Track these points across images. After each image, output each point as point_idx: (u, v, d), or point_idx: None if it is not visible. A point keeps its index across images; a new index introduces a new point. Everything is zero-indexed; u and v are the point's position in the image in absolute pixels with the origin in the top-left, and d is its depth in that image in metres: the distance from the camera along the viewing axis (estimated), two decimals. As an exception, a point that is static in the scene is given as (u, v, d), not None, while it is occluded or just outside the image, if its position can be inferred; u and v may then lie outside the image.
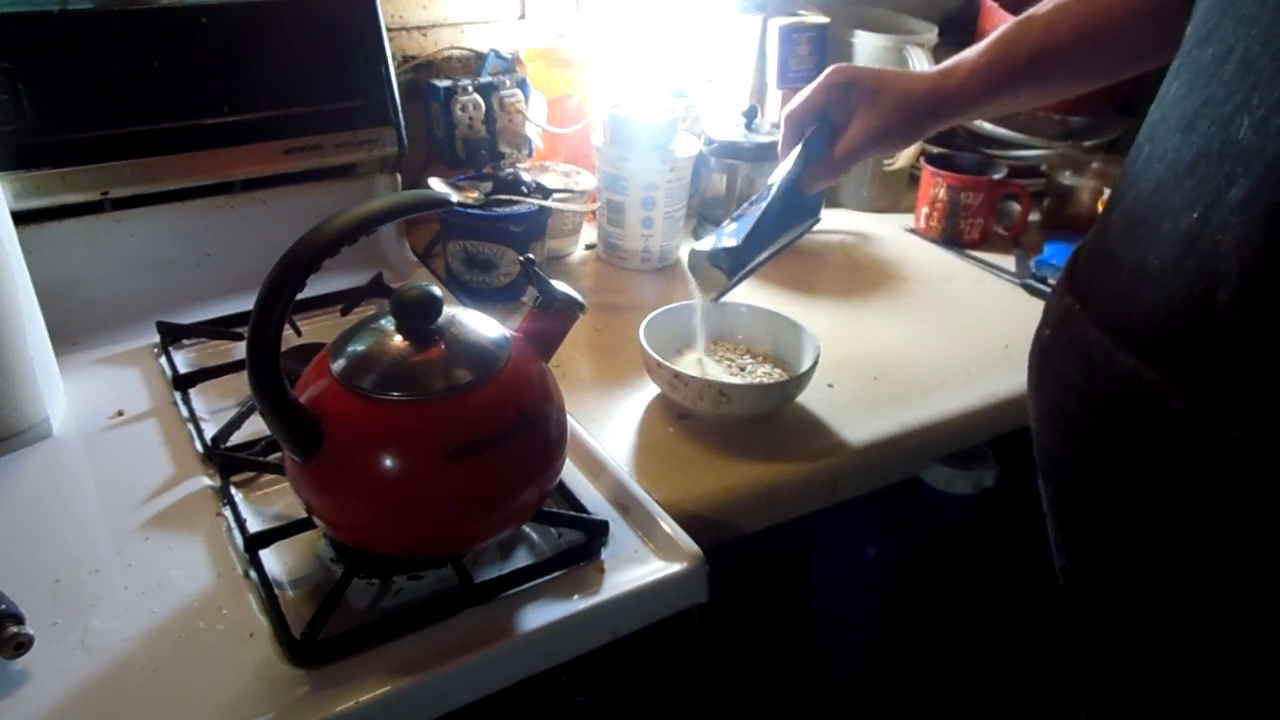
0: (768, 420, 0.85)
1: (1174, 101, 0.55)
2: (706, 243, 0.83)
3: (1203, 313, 0.50)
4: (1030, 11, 0.78)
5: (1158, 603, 0.57)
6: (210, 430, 0.77)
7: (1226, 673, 0.56)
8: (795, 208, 0.86)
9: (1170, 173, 0.54)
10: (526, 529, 0.71)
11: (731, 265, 0.82)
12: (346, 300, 0.96)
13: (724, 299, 0.88)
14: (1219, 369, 0.49)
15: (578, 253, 1.16)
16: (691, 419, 0.85)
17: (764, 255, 0.86)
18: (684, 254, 1.16)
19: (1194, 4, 0.57)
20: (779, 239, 0.86)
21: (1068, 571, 0.65)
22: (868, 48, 1.26)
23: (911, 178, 1.31)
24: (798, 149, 0.84)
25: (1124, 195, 0.59)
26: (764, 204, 0.83)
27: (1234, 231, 0.48)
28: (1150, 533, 0.55)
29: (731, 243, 0.81)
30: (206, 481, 0.74)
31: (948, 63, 0.81)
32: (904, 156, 1.28)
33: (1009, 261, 1.18)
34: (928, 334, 1.02)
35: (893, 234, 1.26)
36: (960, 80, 0.79)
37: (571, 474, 0.76)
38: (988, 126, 1.29)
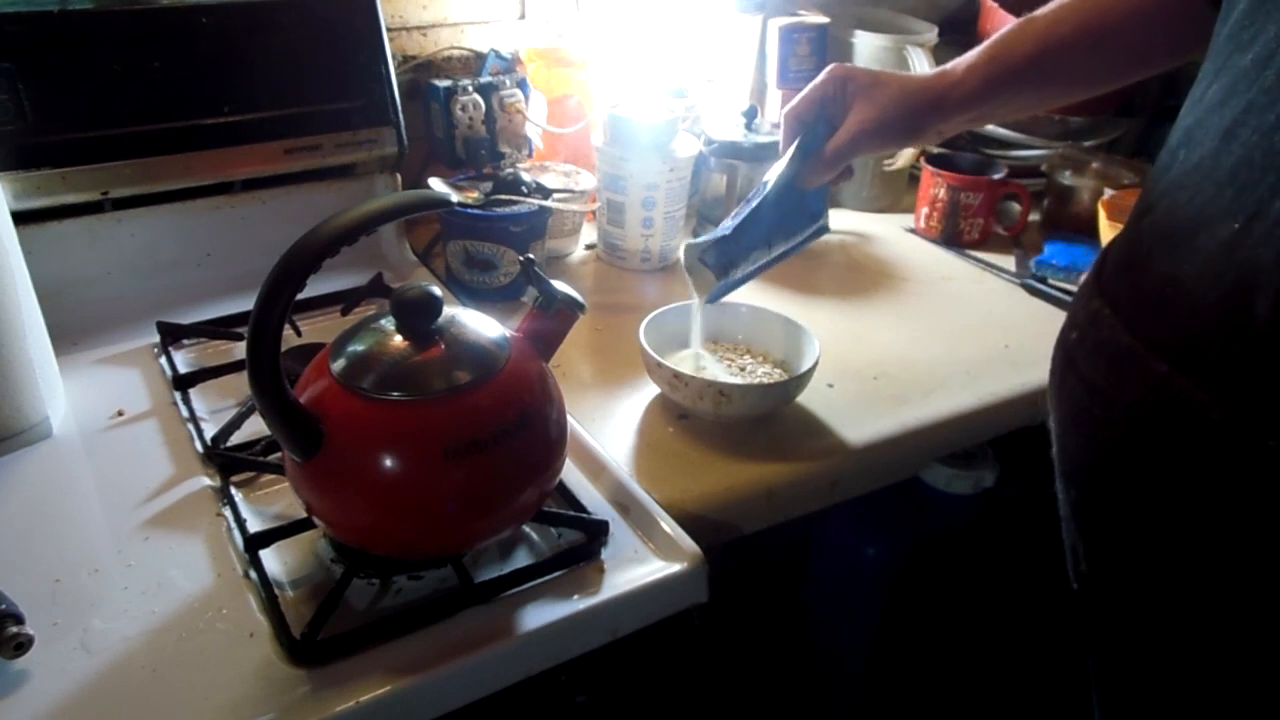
0: (768, 420, 0.85)
1: (1211, 107, 0.54)
2: (700, 242, 0.82)
3: (1240, 324, 0.49)
4: (1033, 13, 0.77)
5: (1184, 611, 0.57)
6: (210, 430, 0.77)
7: (1254, 683, 0.55)
8: (795, 209, 0.85)
9: (1208, 180, 0.53)
10: (526, 529, 0.71)
11: (718, 260, 0.80)
12: (346, 300, 0.96)
13: (724, 299, 0.87)
14: (1255, 380, 0.49)
15: (578, 253, 1.16)
16: (691, 419, 0.85)
17: (764, 260, 0.85)
18: (684, 254, 1.16)
19: (1223, 7, 0.56)
20: (778, 243, 0.85)
21: (1086, 578, 0.64)
22: (868, 48, 1.26)
23: (911, 178, 1.31)
24: (794, 145, 0.83)
25: (1157, 202, 0.57)
26: (757, 201, 0.82)
27: (1278, 244, 0.47)
28: (1178, 541, 0.55)
29: (722, 232, 0.80)
30: (206, 481, 0.74)
31: (948, 64, 0.80)
32: (904, 156, 1.28)
33: (1009, 261, 1.18)
34: (928, 334, 1.02)
35: (893, 234, 1.26)
36: (958, 76, 0.78)
37: (571, 474, 0.76)
38: (988, 126, 1.29)
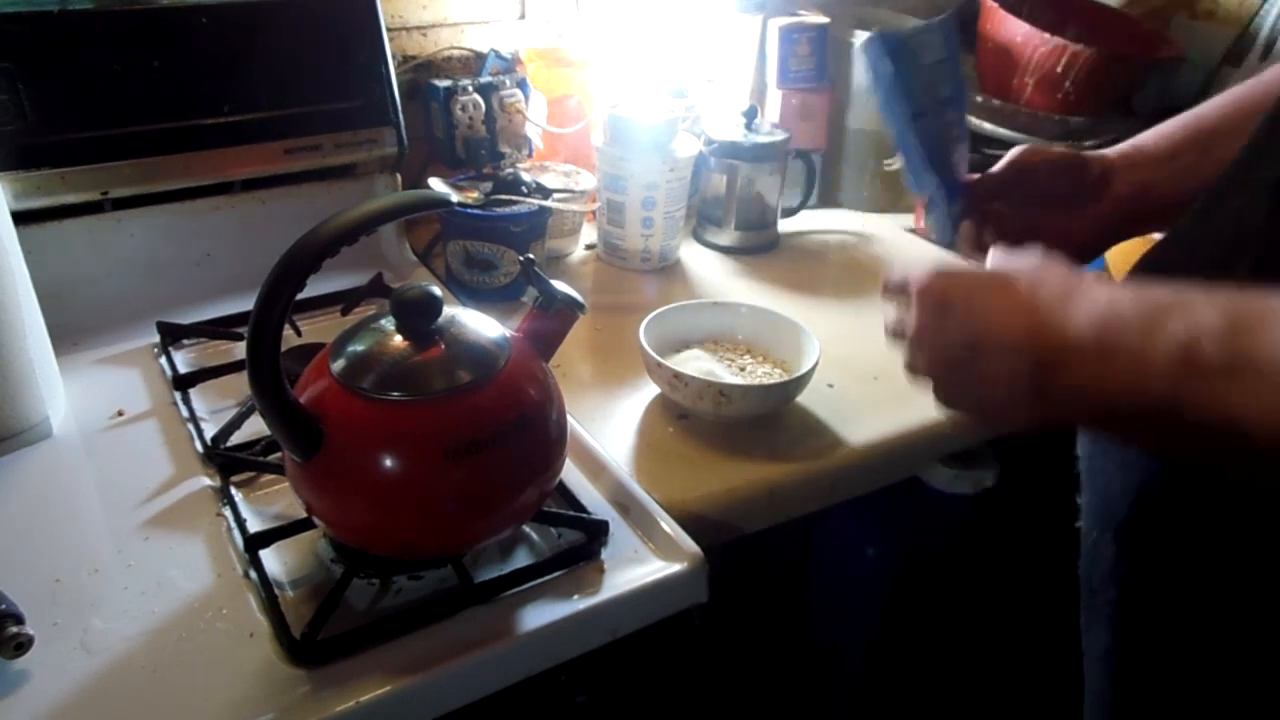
0: (768, 420, 0.85)
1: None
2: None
3: (1219, 285, 0.50)
4: None
5: (1197, 608, 0.57)
6: (210, 430, 0.77)
7: (1252, 680, 0.55)
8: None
9: (1245, 157, 0.53)
10: (526, 529, 0.71)
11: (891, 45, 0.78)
12: (346, 300, 0.96)
13: (729, 300, 0.86)
14: None
15: (578, 253, 1.16)
16: (691, 419, 0.85)
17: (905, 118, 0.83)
18: (684, 253, 1.16)
19: None
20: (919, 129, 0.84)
21: (1091, 551, 0.64)
22: (868, 48, 1.26)
23: (912, 178, 1.31)
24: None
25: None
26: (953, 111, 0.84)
27: (1267, 203, 0.48)
28: (1166, 525, 0.55)
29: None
30: (206, 481, 0.74)
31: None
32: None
33: (1009, 261, 1.18)
34: (928, 334, 1.01)
35: (893, 234, 1.26)
36: (1141, 138, 0.76)
37: (571, 474, 0.76)
38: (988, 126, 1.29)
